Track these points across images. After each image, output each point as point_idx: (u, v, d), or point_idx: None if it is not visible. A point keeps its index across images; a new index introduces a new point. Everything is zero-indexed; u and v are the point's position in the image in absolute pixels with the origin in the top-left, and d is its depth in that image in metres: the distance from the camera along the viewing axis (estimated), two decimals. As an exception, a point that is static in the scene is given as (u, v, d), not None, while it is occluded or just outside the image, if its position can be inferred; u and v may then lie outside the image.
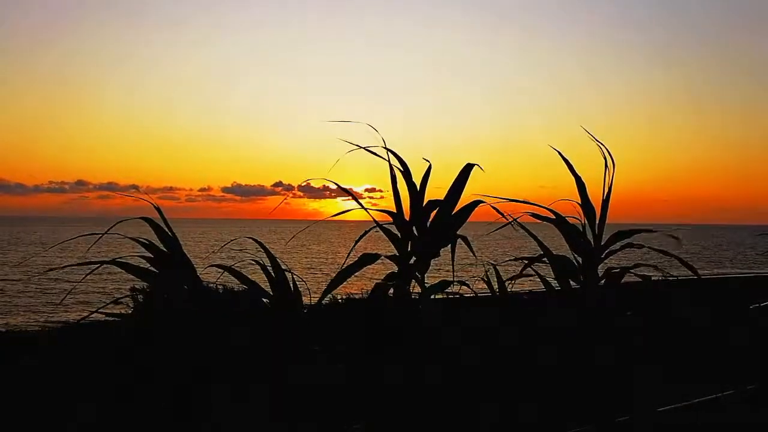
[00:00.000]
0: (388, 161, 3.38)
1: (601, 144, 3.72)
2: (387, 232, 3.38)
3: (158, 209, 2.81)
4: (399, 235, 3.40)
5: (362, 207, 3.49)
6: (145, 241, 2.76)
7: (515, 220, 3.54)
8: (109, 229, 2.73)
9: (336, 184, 3.37)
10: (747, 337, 4.90)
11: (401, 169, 3.42)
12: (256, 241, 3.07)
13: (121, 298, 2.86)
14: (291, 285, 3.01)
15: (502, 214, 3.43)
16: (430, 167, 3.46)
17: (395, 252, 3.49)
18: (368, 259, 3.25)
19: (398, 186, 3.46)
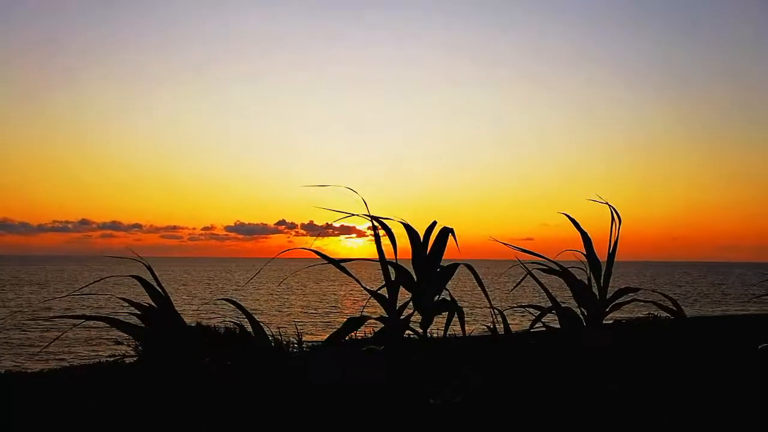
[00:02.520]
0: (374, 228, 3.34)
1: (609, 204, 3.78)
2: (373, 294, 3.32)
3: (149, 268, 2.73)
4: (387, 296, 3.32)
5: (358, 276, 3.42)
6: (135, 301, 2.68)
7: (530, 272, 3.58)
8: (95, 282, 2.65)
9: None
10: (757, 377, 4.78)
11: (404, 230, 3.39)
12: (232, 302, 3.00)
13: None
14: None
15: (525, 269, 3.40)
16: (433, 225, 3.40)
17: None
18: (354, 323, 3.18)
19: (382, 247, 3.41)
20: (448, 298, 3.45)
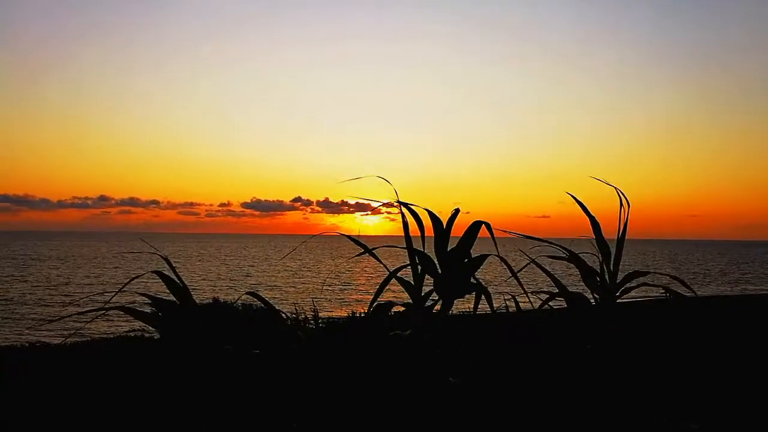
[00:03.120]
0: (402, 215, 3.39)
1: (615, 187, 3.72)
2: (400, 280, 3.40)
3: (167, 260, 2.83)
4: (413, 282, 3.40)
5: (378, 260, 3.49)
6: (153, 295, 2.79)
7: (533, 260, 3.58)
8: (122, 287, 2.77)
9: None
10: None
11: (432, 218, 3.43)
12: (256, 295, 3.10)
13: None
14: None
15: (529, 258, 3.46)
16: (456, 212, 3.44)
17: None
18: (382, 309, 3.25)
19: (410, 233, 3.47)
20: (474, 281, 3.50)
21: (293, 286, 36.75)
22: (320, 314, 5.27)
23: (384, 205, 3.55)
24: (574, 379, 3.42)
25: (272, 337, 3.13)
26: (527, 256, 3.54)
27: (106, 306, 2.89)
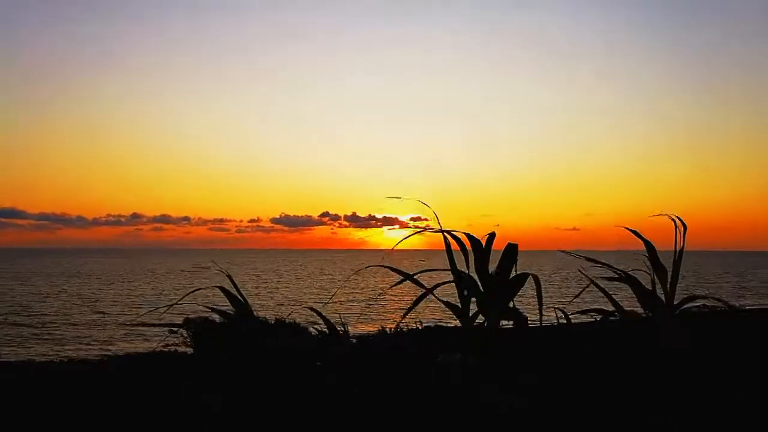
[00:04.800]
0: (445, 240, 3.43)
1: (671, 216, 3.77)
2: (444, 302, 3.42)
3: (230, 276, 2.90)
4: (459, 305, 3.41)
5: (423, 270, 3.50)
6: (218, 307, 2.84)
7: (593, 281, 3.60)
8: (184, 296, 2.82)
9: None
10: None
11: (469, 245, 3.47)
12: (315, 311, 3.12)
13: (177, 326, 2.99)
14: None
15: (590, 279, 3.45)
16: (493, 236, 3.48)
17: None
18: (431, 331, 3.28)
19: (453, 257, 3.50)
20: (511, 305, 3.51)
21: (319, 300, 36.68)
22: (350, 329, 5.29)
23: (425, 229, 3.60)
24: (642, 402, 3.34)
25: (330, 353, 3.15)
26: (588, 276, 3.55)
27: (163, 323, 2.95)
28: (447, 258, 3.40)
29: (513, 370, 3.50)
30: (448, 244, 3.42)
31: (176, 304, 2.84)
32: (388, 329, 5.74)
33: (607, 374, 3.45)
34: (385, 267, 3.48)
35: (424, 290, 3.52)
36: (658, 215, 3.81)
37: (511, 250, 3.31)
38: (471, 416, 2.88)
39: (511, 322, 3.57)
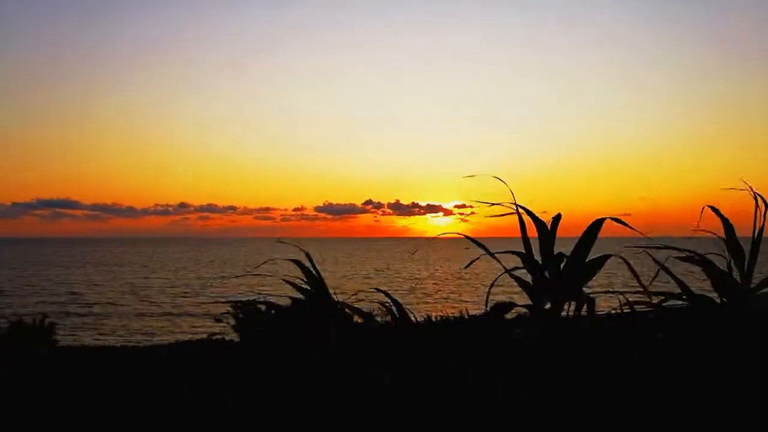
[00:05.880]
0: (518, 215, 3.37)
1: (754, 191, 3.57)
2: (518, 279, 3.36)
3: (307, 254, 2.94)
4: (531, 282, 3.36)
5: (491, 255, 3.48)
6: (298, 280, 2.90)
7: (663, 265, 3.45)
8: (260, 265, 2.89)
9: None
10: None
11: (538, 222, 3.40)
12: (384, 293, 3.15)
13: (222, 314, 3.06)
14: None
15: (659, 264, 3.35)
16: (559, 217, 3.41)
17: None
18: (502, 308, 3.23)
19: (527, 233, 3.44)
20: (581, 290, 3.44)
21: (360, 289, 36.77)
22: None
23: (497, 204, 3.53)
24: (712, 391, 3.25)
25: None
26: (656, 261, 3.41)
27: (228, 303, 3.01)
28: (521, 238, 3.36)
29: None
30: (523, 224, 3.38)
31: (251, 273, 2.90)
32: (461, 314, 5.71)
33: (679, 362, 3.38)
34: (466, 237, 3.45)
35: (511, 275, 3.47)
36: (735, 189, 3.63)
37: (595, 226, 3.25)
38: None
39: (580, 308, 3.50)
